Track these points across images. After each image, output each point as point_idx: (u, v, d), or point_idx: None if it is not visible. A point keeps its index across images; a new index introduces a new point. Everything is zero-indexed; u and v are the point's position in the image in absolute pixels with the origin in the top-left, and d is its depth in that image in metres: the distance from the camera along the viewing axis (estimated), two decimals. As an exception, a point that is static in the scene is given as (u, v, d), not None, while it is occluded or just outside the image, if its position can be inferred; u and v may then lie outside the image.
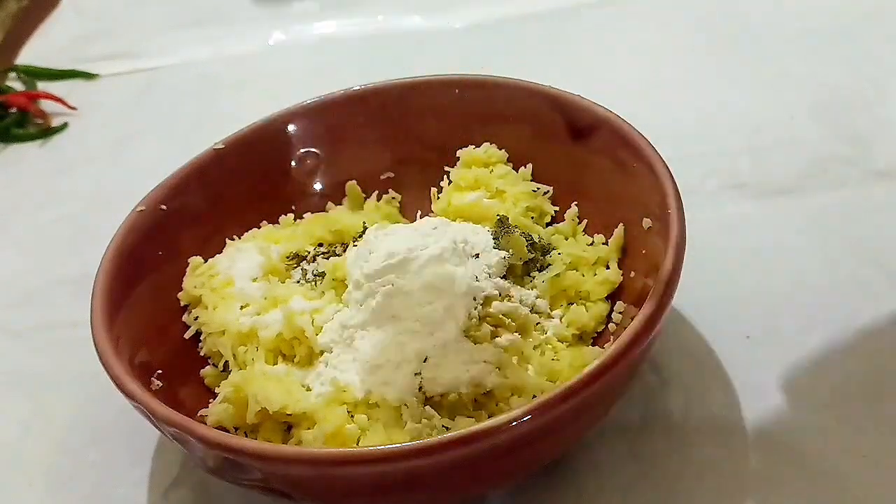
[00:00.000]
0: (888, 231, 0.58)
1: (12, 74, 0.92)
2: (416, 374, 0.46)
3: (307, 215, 0.60)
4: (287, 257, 0.56)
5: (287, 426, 0.48)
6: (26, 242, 0.72)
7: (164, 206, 0.55)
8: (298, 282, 0.55)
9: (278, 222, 0.59)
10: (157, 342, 0.51)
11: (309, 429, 0.46)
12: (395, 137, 0.61)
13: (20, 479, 0.53)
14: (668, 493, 0.46)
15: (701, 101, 0.72)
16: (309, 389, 0.48)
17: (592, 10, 0.85)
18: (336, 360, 0.49)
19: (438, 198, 0.58)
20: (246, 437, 0.47)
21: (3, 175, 0.80)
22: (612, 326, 0.51)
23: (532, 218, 0.55)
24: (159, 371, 0.49)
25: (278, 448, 0.42)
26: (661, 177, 0.48)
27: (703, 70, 0.76)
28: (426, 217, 0.57)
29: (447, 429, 0.45)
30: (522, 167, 0.58)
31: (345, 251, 0.55)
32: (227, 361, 0.51)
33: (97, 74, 0.91)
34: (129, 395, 0.44)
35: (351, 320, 0.49)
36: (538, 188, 0.57)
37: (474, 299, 0.48)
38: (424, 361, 0.46)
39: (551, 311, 0.51)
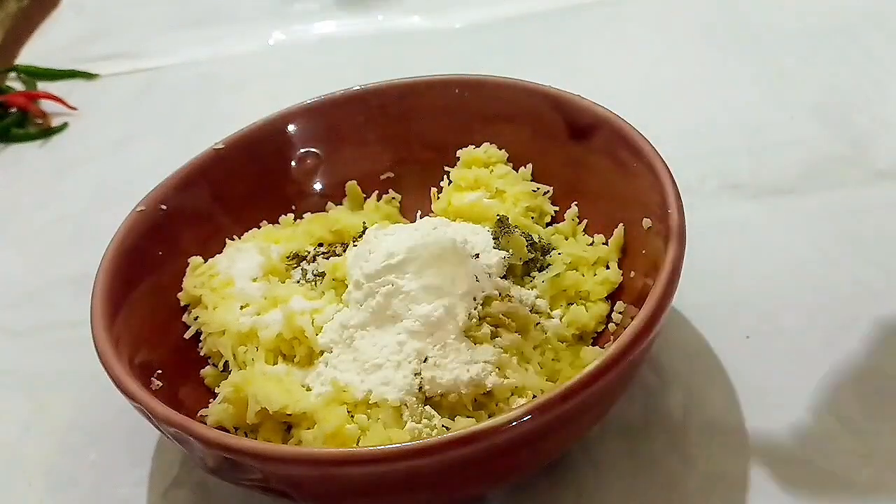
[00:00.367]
0: (888, 231, 0.58)
1: (12, 74, 0.92)
2: (416, 374, 0.46)
3: (307, 215, 0.60)
4: (287, 257, 0.56)
5: (287, 426, 0.48)
6: (26, 242, 0.72)
7: (164, 206, 0.55)
8: (298, 282, 0.55)
9: (278, 222, 0.59)
10: (157, 342, 0.51)
11: (309, 429, 0.46)
12: (395, 137, 0.61)
13: (20, 479, 0.53)
14: (668, 493, 0.46)
15: (701, 101, 0.72)
16: (309, 389, 0.48)
17: (592, 10, 0.86)
18: (336, 360, 0.49)
19: (438, 198, 0.58)
20: (246, 437, 0.47)
21: (3, 175, 0.80)
22: (612, 326, 0.51)
23: (532, 218, 0.55)
24: (159, 371, 0.49)
25: (278, 448, 0.42)
26: (661, 177, 0.48)
27: (703, 70, 0.76)
28: (426, 217, 0.57)
29: (447, 429, 0.45)
30: (522, 167, 0.58)
31: (345, 251, 0.55)
32: (227, 361, 0.51)
33: (97, 74, 0.91)
34: (129, 395, 0.44)
35: (351, 320, 0.49)
36: (538, 188, 0.57)
37: (474, 299, 0.48)
38: (424, 361, 0.46)
39: (551, 311, 0.51)
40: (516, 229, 0.53)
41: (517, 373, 0.47)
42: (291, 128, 0.61)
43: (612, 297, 0.51)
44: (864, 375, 0.50)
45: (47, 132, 0.84)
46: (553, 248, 0.53)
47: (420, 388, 0.46)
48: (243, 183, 0.59)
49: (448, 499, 0.46)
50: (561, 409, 0.39)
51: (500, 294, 0.50)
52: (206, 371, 0.52)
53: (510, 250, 0.52)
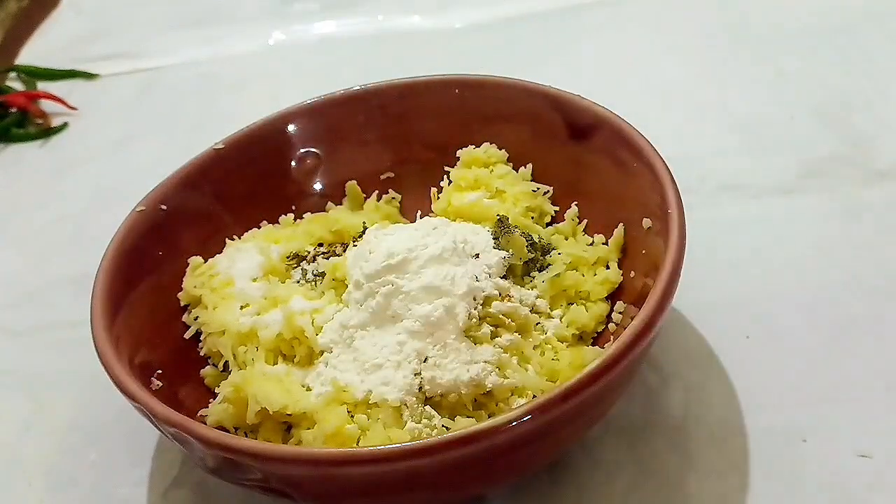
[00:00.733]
0: (888, 231, 0.58)
1: (12, 74, 0.92)
2: (416, 374, 0.46)
3: (307, 215, 0.60)
4: (287, 257, 0.56)
5: (287, 426, 0.48)
6: (26, 242, 0.72)
7: (164, 206, 0.55)
8: (298, 282, 0.55)
9: (278, 222, 0.59)
10: (157, 342, 0.51)
11: (309, 429, 0.46)
12: (395, 137, 0.61)
13: (20, 479, 0.53)
14: (668, 493, 0.46)
15: (701, 101, 0.72)
16: (309, 389, 0.48)
17: (592, 10, 0.86)
18: (336, 360, 0.49)
19: (438, 198, 0.58)
20: (246, 437, 0.47)
21: (3, 175, 0.80)
22: (612, 326, 0.51)
23: (532, 218, 0.55)
24: (159, 371, 0.49)
25: (278, 448, 0.42)
26: (661, 177, 0.48)
27: (703, 70, 0.76)
28: (426, 217, 0.57)
29: (447, 429, 0.45)
30: (522, 167, 0.58)
31: (345, 251, 0.55)
32: (227, 361, 0.51)
33: (97, 74, 0.91)
34: (129, 395, 0.44)
35: (351, 320, 0.49)
36: (538, 188, 0.57)
37: (474, 299, 0.48)
38: (424, 361, 0.46)
39: (551, 311, 0.51)
40: (516, 229, 0.53)
41: (517, 373, 0.47)
42: (291, 128, 0.61)
43: (612, 297, 0.51)
44: (864, 375, 0.50)
45: (47, 132, 0.84)
46: (553, 248, 0.53)
47: (420, 388, 0.46)
48: (243, 183, 0.59)
49: (448, 499, 0.46)
50: (561, 409, 0.39)
51: (500, 294, 0.50)
52: (206, 371, 0.52)
53: (510, 250, 0.52)
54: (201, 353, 0.53)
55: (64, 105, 0.86)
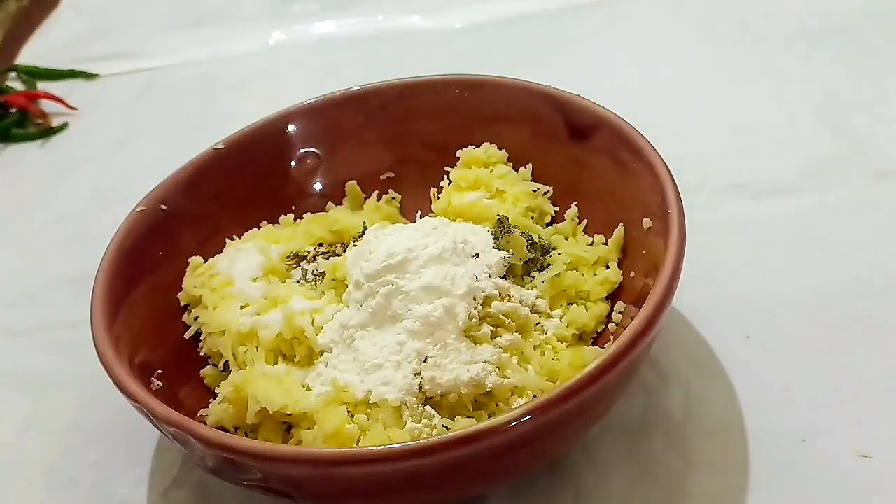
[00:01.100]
0: (888, 231, 0.58)
1: (12, 74, 0.92)
2: (416, 374, 0.46)
3: (307, 215, 0.60)
4: (287, 257, 0.56)
5: (287, 426, 0.48)
6: (26, 242, 0.72)
7: (164, 206, 0.55)
8: (298, 282, 0.55)
9: (278, 222, 0.59)
10: (157, 342, 0.51)
11: (309, 429, 0.46)
12: (395, 137, 0.61)
13: (20, 479, 0.53)
14: (668, 493, 0.46)
15: (700, 101, 0.72)
16: (309, 389, 0.48)
17: (592, 10, 0.86)
18: (336, 360, 0.49)
19: (438, 198, 0.58)
20: (246, 437, 0.47)
21: (3, 175, 0.80)
22: (612, 326, 0.51)
23: (532, 218, 0.55)
24: (159, 371, 0.49)
25: (278, 448, 0.42)
26: (661, 177, 0.48)
27: (703, 70, 0.76)
28: (426, 217, 0.57)
29: (447, 429, 0.45)
30: (522, 167, 0.58)
31: (345, 251, 0.55)
32: (227, 361, 0.51)
33: (97, 74, 0.91)
34: (129, 395, 0.44)
35: (351, 320, 0.49)
36: (538, 188, 0.57)
37: (474, 299, 0.48)
38: (424, 361, 0.46)
39: (551, 311, 0.51)
40: (516, 229, 0.53)
41: (517, 373, 0.47)
42: (291, 128, 0.61)
43: (612, 297, 0.51)
44: (864, 375, 0.50)
45: (47, 132, 0.84)
46: (553, 248, 0.53)
47: (420, 388, 0.46)
48: (243, 183, 0.59)
49: (448, 499, 0.46)
50: (561, 409, 0.39)
51: (500, 294, 0.50)
52: (206, 371, 0.52)
53: (510, 250, 0.52)
54: (201, 353, 0.53)
55: (64, 105, 0.86)
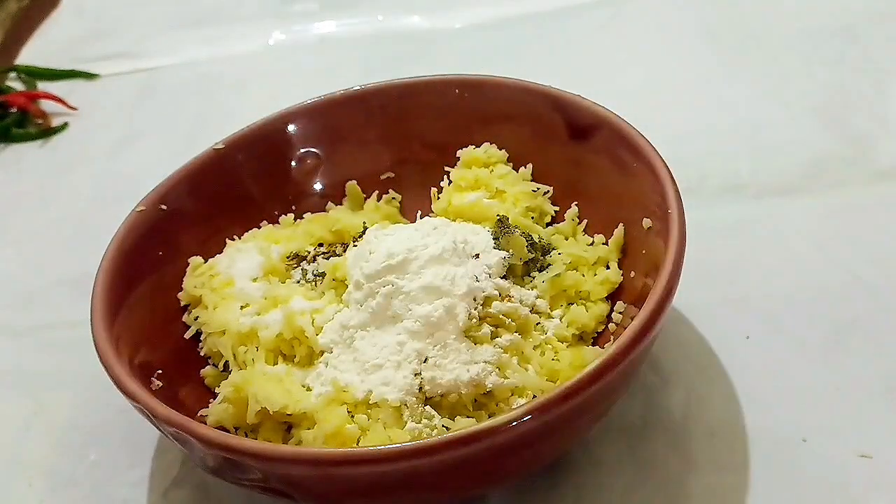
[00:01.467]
0: (888, 231, 0.58)
1: (12, 74, 0.92)
2: (416, 374, 0.46)
3: (307, 215, 0.60)
4: (287, 257, 0.56)
5: (287, 426, 0.48)
6: (26, 242, 0.72)
7: (164, 206, 0.55)
8: (298, 282, 0.55)
9: (278, 222, 0.59)
10: (157, 342, 0.51)
11: (309, 429, 0.46)
12: (395, 137, 0.61)
13: (20, 479, 0.53)
14: (668, 493, 0.46)
15: (701, 101, 0.72)
16: (309, 389, 0.48)
17: (592, 10, 0.86)
18: (336, 360, 0.49)
19: (438, 198, 0.58)
20: (246, 437, 0.47)
21: (3, 175, 0.80)
22: (612, 326, 0.51)
23: (532, 218, 0.55)
24: (159, 371, 0.49)
25: (278, 448, 0.42)
26: (661, 177, 0.48)
27: (704, 70, 0.76)
28: (426, 217, 0.57)
29: (447, 429, 0.45)
30: (522, 167, 0.58)
31: (345, 251, 0.55)
32: (227, 361, 0.51)
33: (97, 74, 0.91)
34: (129, 395, 0.44)
35: (351, 320, 0.49)
36: (538, 188, 0.57)
37: (474, 299, 0.48)
38: (424, 361, 0.46)
39: (551, 311, 0.51)
40: (516, 229, 0.53)
41: (517, 373, 0.47)
42: (291, 128, 0.61)
43: (612, 297, 0.51)
44: (864, 375, 0.50)
45: (47, 132, 0.84)
46: (553, 248, 0.53)
47: (420, 389, 0.46)
48: (243, 183, 0.59)
49: (448, 499, 0.46)
50: (561, 409, 0.39)
51: (500, 294, 0.50)
52: (206, 371, 0.52)
53: (510, 250, 0.52)
54: (201, 353, 0.53)
55: (64, 105, 0.86)
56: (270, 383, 0.47)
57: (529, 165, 0.58)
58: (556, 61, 0.80)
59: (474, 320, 0.48)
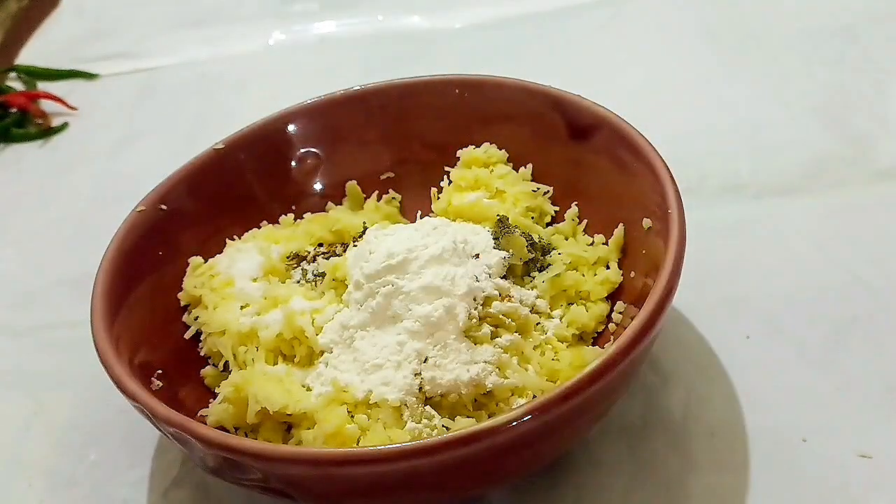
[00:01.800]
0: (888, 231, 0.58)
1: (12, 74, 0.92)
2: (416, 374, 0.46)
3: (307, 215, 0.60)
4: (287, 257, 0.56)
5: (287, 426, 0.48)
6: (26, 242, 0.72)
7: (164, 206, 0.55)
8: (298, 282, 0.55)
9: (278, 222, 0.59)
10: (157, 342, 0.51)
11: (309, 429, 0.46)
12: (395, 137, 0.61)
13: (20, 479, 0.53)
14: (667, 492, 0.46)
15: (701, 101, 0.72)
16: (309, 389, 0.48)
17: (592, 10, 0.86)
18: (336, 360, 0.49)
19: (438, 198, 0.58)
20: (246, 437, 0.47)
21: (3, 175, 0.80)
22: (612, 326, 0.51)
23: (532, 218, 0.55)
24: (159, 371, 0.49)
25: (278, 448, 0.42)
26: (661, 177, 0.48)
27: (704, 70, 0.76)
28: (426, 217, 0.57)
29: (447, 429, 0.45)
30: (522, 167, 0.58)
31: (345, 251, 0.55)
32: (227, 361, 0.51)
33: (97, 74, 0.91)
34: (129, 395, 0.44)
35: (351, 320, 0.49)
36: (538, 188, 0.57)
37: (474, 299, 0.48)
38: (424, 361, 0.46)
39: (551, 311, 0.51)
40: (516, 229, 0.53)
41: (517, 373, 0.47)
42: (291, 128, 0.61)
43: (612, 297, 0.51)
44: (864, 375, 0.50)
45: (47, 132, 0.84)
46: (553, 248, 0.53)
47: (420, 389, 0.46)
48: (243, 183, 0.59)
49: (448, 499, 0.46)
50: (561, 409, 0.39)
51: (500, 294, 0.50)
52: (206, 371, 0.52)
53: (510, 250, 0.52)
54: (201, 353, 0.53)
55: (64, 105, 0.86)
56: (270, 383, 0.47)
57: (529, 165, 0.58)
58: (556, 61, 0.80)
59: (474, 320, 0.48)
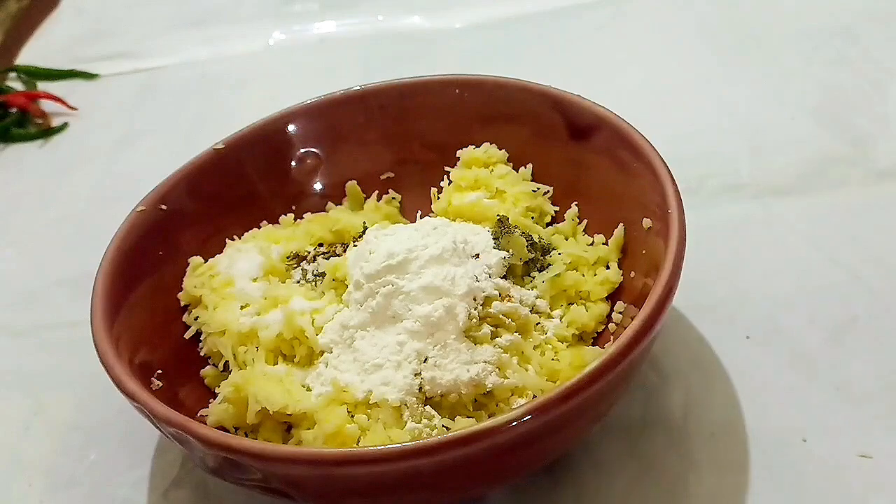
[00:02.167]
0: (888, 231, 0.58)
1: (12, 74, 0.92)
2: (416, 374, 0.46)
3: (307, 215, 0.60)
4: (287, 257, 0.56)
5: (287, 426, 0.48)
6: (26, 242, 0.72)
7: (164, 206, 0.55)
8: (298, 282, 0.55)
9: (278, 222, 0.59)
10: (157, 342, 0.51)
11: (309, 429, 0.46)
12: (395, 137, 0.61)
13: (20, 479, 0.53)
14: (668, 492, 0.46)
15: (701, 101, 0.72)
16: (309, 389, 0.48)
17: (592, 10, 0.86)
18: (336, 360, 0.49)
19: (438, 198, 0.58)
20: (246, 437, 0.47)
21: (3, 175, 0.80)
22: (612, 326, 0.51)
23: (532, 218, 0.55)
24: (159, 371, 0.49)
25: (278, 448, 0.42)
26: (661, 177, 0.48)
27: (704, 70, 0.76)
28: (426, 217, 0.57)
29: (447, 429, 0.45)
30: (522, 167, 0.58)
31: (345, 251, 0.55)
32: (227, 361, 0.51)
33: (97, 74, 0.91)
34: (129, 395, 0.44)
35: (351, 320, 0.49)
36: (538, 188, 0.57)
37: (474, 299, 0.48)
38: (424, 361, 0.46)
39: (551, 311, 0.51)
40: (516, 229, 0.53)
41: (517, 373, 0.47)
42: (291, 128, 0.61)
43: (612, 297, 0.51)
44: (864, 375, 0.50)
45: (47, 132, 0.84)
46: (553, 248, 0.53)
47: (420, 389, 0.46)
48: (243, 183, 0.59)
49: (448, 499, 0.46)
50: (561, 409, 0.39)
51: (500, 294, 0.50)
52: (206, 371, 0.52)
53: (510, 250, 0.52)
54: (201, 353, 0.53)
55: (64, 105, 0.86)
56: (270, 383, 0.47)
57: (529, 165, 0.58)
58: (556, 61, 0.80)
59: (474, 320, 0.48)
